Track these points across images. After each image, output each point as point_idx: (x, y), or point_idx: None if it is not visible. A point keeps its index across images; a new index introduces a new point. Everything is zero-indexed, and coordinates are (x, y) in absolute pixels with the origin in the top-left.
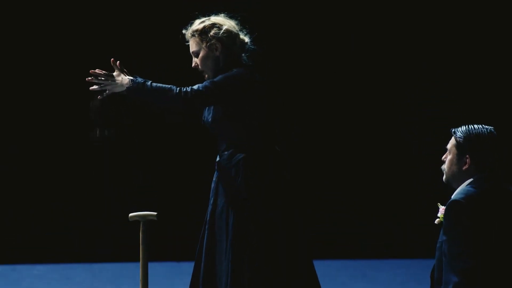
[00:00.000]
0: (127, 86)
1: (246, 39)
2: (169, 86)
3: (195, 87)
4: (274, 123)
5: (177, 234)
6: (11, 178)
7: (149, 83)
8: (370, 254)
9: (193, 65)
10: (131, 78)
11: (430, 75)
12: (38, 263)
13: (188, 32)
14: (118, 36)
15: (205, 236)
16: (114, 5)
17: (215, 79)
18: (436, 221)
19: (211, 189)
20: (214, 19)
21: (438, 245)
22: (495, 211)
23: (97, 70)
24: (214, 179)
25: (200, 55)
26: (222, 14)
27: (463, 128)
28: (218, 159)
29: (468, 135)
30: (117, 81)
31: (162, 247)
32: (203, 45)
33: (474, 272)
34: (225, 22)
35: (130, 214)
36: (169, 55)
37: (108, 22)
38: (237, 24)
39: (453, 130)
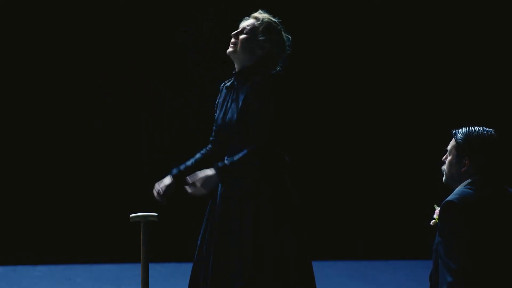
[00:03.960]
0: (218, 179)
1: (282, 59)
2: (242, 153)
3: (259, 139)
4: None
5: (178, 235)
6: (11, 178)
7: (227, 162)
8: (370, 255)
9: (233, 33)
10: (213, 170)
11: (431, 75)
12: (39, 264)
13: (257, 15)
14: (117, 36)
15: (212, 238)
16: (114, 6)
17: (267, 123)
18: (432, 222)
19: (218, 192)
20: (282, 29)
21: (434, 246)
22: (490, 213)
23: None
24: (220, 184)
25: (247, 37)
26: (286, 34)
27: (464, 129)
28: (227, 162)
29: (468, 137)
30: (202, 186)
31: (163, 248)
32: (258, 36)
33: (468, 273)
34: (285, 39)
35: (131, 215)
36: (168, 55)
37: (108, 23)
38: (288, 45)
39: (453, 132)
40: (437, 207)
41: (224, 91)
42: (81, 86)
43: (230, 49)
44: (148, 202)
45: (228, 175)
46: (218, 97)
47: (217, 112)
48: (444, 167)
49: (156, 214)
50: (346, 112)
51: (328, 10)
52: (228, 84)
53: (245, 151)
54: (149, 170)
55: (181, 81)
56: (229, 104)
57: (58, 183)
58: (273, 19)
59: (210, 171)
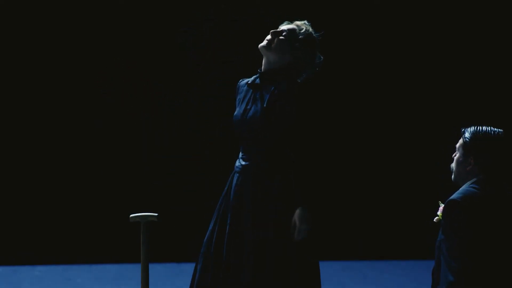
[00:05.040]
0: (309, 213)
1: (308, 74)
2: (295, 174)
3: (296, 145)
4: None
5: (178, 235)
6: (11, 178)
7: (299, 194)
8: (370, 255)
9: (272, 30)
10: (300, 210)
11: (434, 74)
12: (38, 264)
13: (300, 23)
14: (117, 36)
15: (222, 237)
16: (114, 6)
17: (297, 127)
18: (435, 219)
19: (233, 192)
20: (318, 47)
21: (437, 244)
22: (492, 213)
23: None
24: (234, 182)
25: (283, 39)
26: (319, 54)
27: (472, 128)
28: (245, 163)
29: (474, 136)
30: (307, 225)
31: (163, 248)
32: (294, 43)
33: (470, 273)
34: (317, 57)
35: (131, 215)
36: (168, 55)
37: (108, 23)
38: (318, 63)
39: (462, 130)
40: (441, 204)
41: (244, 88)
42: (81, 86)
43: (263, 44)
44: (148, 202)
45: (310, 203)
46: (237, 94)
47: (237, 109)
48: (453, 164)
49: (156, 214)
50: (345, 112)
51: (328, 10)
52: (249, 81)
53: (295, 169)
54: (149, 170)
55: (181, 81)
56: (251, 101)
57: (58, 183)
58: (314, 34)
59: (297, 213)
